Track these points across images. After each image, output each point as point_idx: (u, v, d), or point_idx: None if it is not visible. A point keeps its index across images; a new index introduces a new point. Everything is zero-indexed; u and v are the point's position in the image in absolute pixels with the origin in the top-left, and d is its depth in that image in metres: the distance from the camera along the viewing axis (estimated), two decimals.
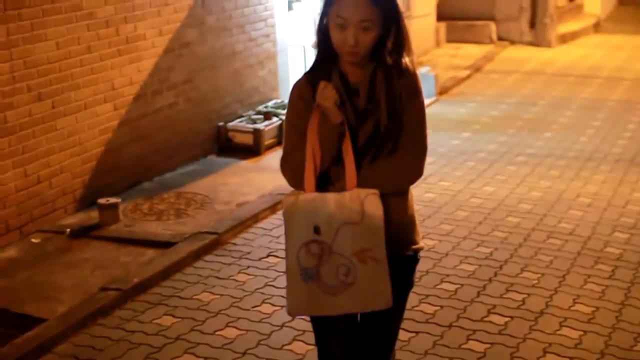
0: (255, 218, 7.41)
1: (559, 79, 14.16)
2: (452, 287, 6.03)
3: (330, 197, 3.21)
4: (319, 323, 3.47)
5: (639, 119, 11.48)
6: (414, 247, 3.44)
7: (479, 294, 5.93)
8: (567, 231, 7.26)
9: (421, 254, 3.51)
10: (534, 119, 11.47)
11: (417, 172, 3.37)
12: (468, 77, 14.29)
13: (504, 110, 12.02)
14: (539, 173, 9.01)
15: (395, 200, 3.33)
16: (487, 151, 9.83)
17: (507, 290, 6.00)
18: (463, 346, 5.17)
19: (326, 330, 3.43)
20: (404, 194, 3.40)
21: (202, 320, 5.47)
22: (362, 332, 3.46)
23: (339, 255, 3.18)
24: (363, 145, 3.30)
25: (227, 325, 5.40)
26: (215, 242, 6.84)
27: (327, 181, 3.33)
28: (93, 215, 7.32)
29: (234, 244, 6.87)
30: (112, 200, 7.30)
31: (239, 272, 6.27)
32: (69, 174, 7.42)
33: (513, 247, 6.87)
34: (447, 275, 6.22)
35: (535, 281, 6.19)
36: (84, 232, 7.06)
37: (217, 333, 5.30)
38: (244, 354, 5.04)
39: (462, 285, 6.08)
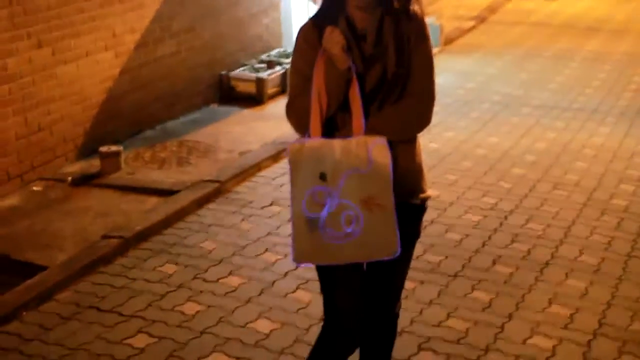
0: (257, 167, 7.35)
1: (565, 31, 14.03)
2: (457, 237, 5.98)
3: (337, 144, 3.14)
4: (324, 272, 3.40)
5: None
6: (422, 195, 3.37)
7: (484, 244, 5.88)
8: (573, 182, 7.20)
9: (428, 202, 3.44)
10: (539, 71, 11.36)
11: (425, 119, 3.30)
12: (473, 28, 14.16)
13: (509, 61, 11.90)
14: (544, 124, 8.92)
15: (403, 148, 3.26)
16: (491, 102, 9.74)
17: (513, 241, 5.95)
18: (468, 295, 5.13)
19: (332, 279, 3.36)
20: (411, 141, 3.32)
21: (204, 269, 5.42)
22: (368, 281, 3.40)
23: (345, 203, 3.11)
24: (370, 92, 3.21)
25: (230, 274, 5.36)
26: (218, 190, 6.78)
27: (333, 127, 3.25)
28: (94, 164, 7.26)
29: (237, 192, 6.81)
30: (114, 148, 7.23)
31: (241, 221, 6.22)
32: (69, 122, 7.34)
33: (518, 197, 6.81)
34: (452, 225, 6.16)
35: (541, 232, 6.13)
36: (85, 180, 7.00)
37: (220, 281, 5.25)
38: (247, 302, 4.99)
39: (467, 235, 6.03)
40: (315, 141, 3.17)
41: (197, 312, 4.87)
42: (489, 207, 6.59)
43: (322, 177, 3.13)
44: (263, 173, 7.25)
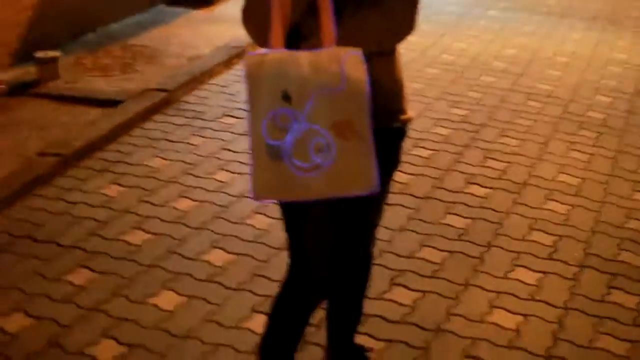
0: (209, 73, 6.80)
1: None
2: (425, 153, 5.52)
3: (303, 57, 2.58)
4: (289, 210, 2.93)
5: None
6: (402, 117, 2.87)
7: (455, 162, 5.43)
8: (546, 93, 6.76)
9: (409, 125, 2.94)
10: None
11: (409, 24, 2.75)
12: None
13: None
14: (512, 29, 8.45)
15: (381, 61, 2.74)
16: (456, 3, 9.21)
17: (486, 158, 5.51)
18: (441, 221, 4.70)
19: (298, 218, 2.90)
20: (390, 53, 2.79)
21: (151, 190, 4.91)
22: (339, 218, 2.93)
23: (314, 128, 2.59)
24: None
25: (179, 196, 4.85)
26: (166, 100, 6.23)
27: (298, 37, 2.71)
28: (31, 71, 6.64)
29: (186, 102, 6.27)
30: (51, 53, 6.61)
31: (191, 135, 5.69)
32: (2, 25, 6.68)
33: (489, 109, 6.35)
34: (421, 140, 5.69)
35: (516, 147, 5.70)
36: (20, 89, 6.40)
37: (168, 204, 4.75)
38: (198, 228, 4.51)
39: (437, 151, 5.57)
40: (278, 53, 2.63)
41: (144, 241, 4.37)
42: (459, 119, 6.13)
43: (286, 97, 2.59)
44: (215, 80, 6.71)
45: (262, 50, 2.64)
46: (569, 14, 9.01)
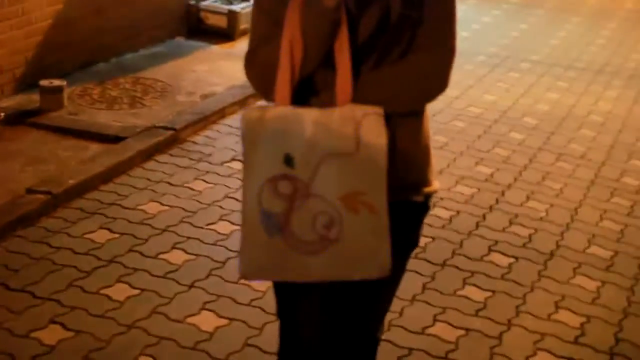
0: (221, 113, 6.41)
1: None
2: (445, 214, 5.09)
3: (311, 115, 2.17)
4: (284, 291, 2.51)
5: None
6: (426, 189, 2.44)
7: (477, 226, 5.00)
8: (578, 154, 6.32)
9: (433, 199, 2.51)
10: (539, 23, 10.42)
11: (440, 83, 2.33)
12: None
13: (507, 10, 10.93)
14: (546, 83, 8.03)
15: (405, 124, 2.31)
16: (487, 54, 8.80)
17: (511, 223, 5.08)
18: (459, 292, 4.25)
19: (294, 301, 2.47)
20: (417, 114, 2.37)
21: (144, 239, 4.50)
22: (343, 304, 2.49)
23: (319, 199, 2.17)
24: (365, 42, 2.25)
25: (173, 247, 4.44)
26: (172, 139, 5.84)
27: (309, 90, 2.30)
28: (34, 99, 6.27)
29: (194, 142, 5.88)
30: (57, 82, 6.24)
31: (195, 179, 5.29)
32: (8, 49, 6.33)
33: (517, 168, 5.92)
34: (441, 199, 5.26)
35: (543, 213, 5.26)
36: (20, 118, 6.03)
37: (160, 256, 4.33)
38: (190, 287, 4.08)
39: (458, 212, 5.14)
40: (282, 110, 2.21)
41: (128, 297, 3.95)
42: (484, 178, 5.70)
43: (288, 160, 2.17)
44: (227, 121, 6.31)
45: (264, 104, 2.24)
46: (605, 71, 8.59)
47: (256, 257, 2.22)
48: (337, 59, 2.20)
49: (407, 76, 2.26)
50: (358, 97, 2.19)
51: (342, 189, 2.15)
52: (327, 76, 2.23)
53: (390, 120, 2.19)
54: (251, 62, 2.35)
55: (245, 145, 2.21)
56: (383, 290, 2.44)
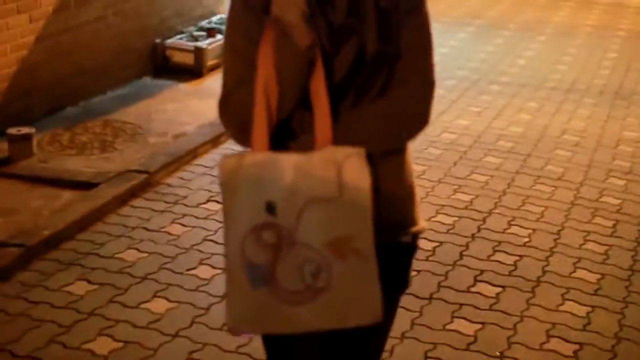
0: (193, 153, 6.31)
1: (529, 1, 13.03)
2: (429, 246, 5.02)
3: (291, 160, 2.09)
4: (274, 343, 2.43)
5: (619, 47, 10.49)
6: (413, 229, 2.38)
7: (461, 255, 4.94)
8: (556, 175, 6.29)
9: (420, 237, 2.45)
10: (505, 44, 10.41)
11: (422, 118, 2.29)
12: None
13: (473, 33, 10.92)
14: (517, 105, 8.01)
15: (388, 163, 2.26)
16: (457, 78, 8.77)
17: (495, 251, 5.02)
18: (448, 327, 4.18)
19: (285, 353, 2.39)
20: (400, 152, 2.32)
21: (124, 289, 4.39)
22: (336, 346, 2.41)
23: (305, 247, 2.08)
24: (342, 80, 2.19)
25: (155, 296, 4.33)
26: (146, 182, 5.74)
27: (287, 134, 2.23)
28: (2, 147, 6.15)
29: (168, 184, 5.78)
30: (25, 130, 6.13)
31: (172, 222, 5.19)
32: None
33: (496, 194, 5.87)
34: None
35: (526, 238, 5.21)
36: None
37: (141, 306, 4.22)
38: (174, 336, 3.98)
39: (440, 243, 5.08)
40: (260, 156, 2.13)
41: (111, 351, 3.84)
42: (463, 205, 5.64)
43: (270, 208, 2.09)
44: (199, 161, 6.22)
45: (241, 153, 2.16)
46: (575, 89, 8.58)
47: (243, 311, 2.13)
48: (314, 100, 2.13)
49: (387, 113, 2.20)
50: (338, 138, 2.12)
51: (328, 235, 2.07)
52: (304, 118, 2.17)
53: (372, 159, 2.11)
54: (225, 106, 2.28)
55: (225, 194, 2.12)
56: (376, 331, 2.35)
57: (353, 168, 2.09)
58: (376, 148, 2.18)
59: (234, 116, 2.24)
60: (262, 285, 2.09)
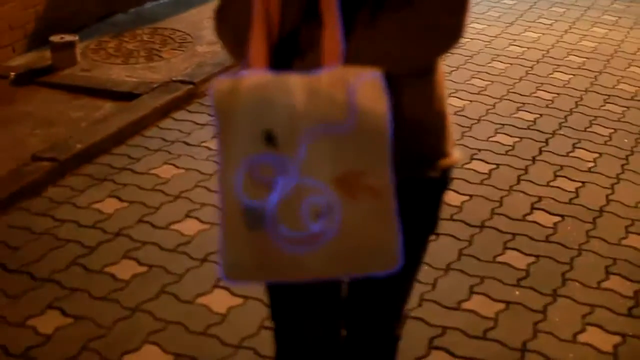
0: None
1: None
2: (485, 168, 4.69)
3: (295, 81, 1.73)
4: (277, 293, 2.15)
5: None
6: (443, 162, 2.04)
7: (519, 180, 4.59)
8: (629, 95, 5.85)
9: (453, 172, 2.12)
10: None
11: (453, 32, 1.88)
12: None
13: None
14: (591, 17, 7.52)
15: (413, 86, 1.89)
16: None
17: (556, 176, 4.66)
18: (498, 259, 3.87)
19: (289, 304, 2.12)
20: (427, 73, 1.95)
21: (155, 207, 4.16)
22: (353, 296, 2.13)
23: (310, 183, 1.78)
24: None
25: (187, 216, 4.10)
26: (190, 94, 5.48)
27: (291, 51, 1.91)
28: (46, 56, 5.94)
29: None
30: (68, 37, 5.89)
31: (213, 137, 4.91)
32: (17, 3, 5.99)
33: (562, 113, 5.48)
34: (479, 151, 4.85)
35: (592, 164, 4.83)
36: (30, 77, 5.70)
37: (171, 227, 3.99)
38: (203, 261, 3.74)
39: (497, 165, 4.73)
40: (259, 77, 1.80)
41: (134, 275, 3.62)
42: (525, 125, 5.27)
43: (270, 138, 1.76)
44: None
45: (238, 73, 1.84)
46: None
47: (239, 257, 1.82)
48: (323, 12, 1.79)
49: (412, 25, 1.82)
50: (351, 57, 1.79)
51: (336, 170, 1.73)
52: (312, 33, 1.82)
53: (393, 81, 1.77)
54: (222, 16, 1.95)
55: (218, 122, 1.82)
56: (398, 281, 2.06)
57: (367, 91, 1.73)
58: (398, 68, 1.83)
59: (230, 29, 1.92)
60: (259, 227, 1.78)
